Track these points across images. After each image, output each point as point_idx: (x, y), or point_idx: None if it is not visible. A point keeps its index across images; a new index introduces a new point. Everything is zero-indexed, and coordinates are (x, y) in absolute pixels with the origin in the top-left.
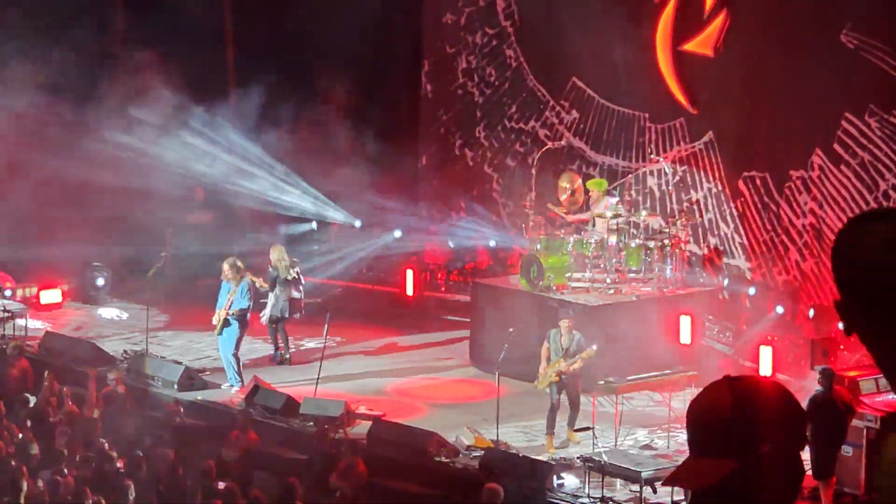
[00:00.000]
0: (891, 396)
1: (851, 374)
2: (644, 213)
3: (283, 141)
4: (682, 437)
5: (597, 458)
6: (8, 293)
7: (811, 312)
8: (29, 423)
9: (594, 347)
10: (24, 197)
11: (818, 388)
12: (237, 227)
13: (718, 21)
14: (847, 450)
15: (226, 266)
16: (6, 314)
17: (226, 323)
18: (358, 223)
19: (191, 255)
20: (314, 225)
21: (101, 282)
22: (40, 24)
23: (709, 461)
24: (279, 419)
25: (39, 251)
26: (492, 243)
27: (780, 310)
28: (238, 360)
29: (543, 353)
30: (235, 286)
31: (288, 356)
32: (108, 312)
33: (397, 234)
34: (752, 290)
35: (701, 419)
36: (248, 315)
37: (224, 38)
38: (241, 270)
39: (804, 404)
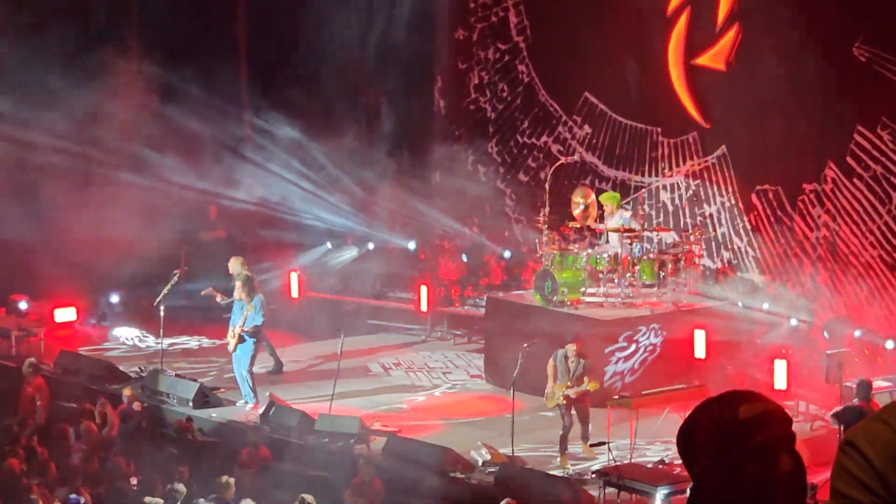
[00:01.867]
0: None
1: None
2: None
3: (294, 157)
4: None
5: (612, 473)
6: (23, 305)
7: (825, 327)
8: (44, 440)
9: (597, 383)
10: (37, 215)
11: (854, 400)
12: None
13: (730, 35)
14: None
15: (237, 281)
16: (21, 332)
17: (240, 340)
18: (371, 245)
19: (204, 273)
20: (329, 245)
21: (115, 299)
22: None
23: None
24: (294, 436)
25: (54, 269)
26: (506, 254)
27: (793, 322)
28: (253, 376)
29: (549, 371)
30: (249, 303)
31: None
32: (124, 333)
33: (412, 245)
34: (765, 305)
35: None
36: (262, 332)
37: (237, 55)
38: (254, 287)
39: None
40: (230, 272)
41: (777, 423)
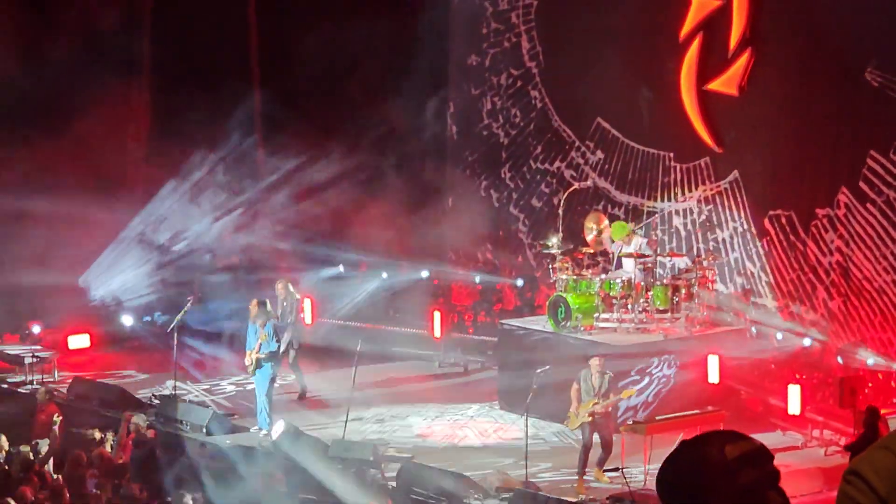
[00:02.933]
0: None
1: (882, 412)
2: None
3: (305, 185)
4: None
5: (626, 499)
6: (37, 329)
7: (839, 352)
8: (58, 467)
9: (632, 390)
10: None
11: (865, 428)
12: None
13: (743, 60)
14: None
15: (253, 305)
16: (35, 359)
17: (258, 365)
18: (384, 275)
19: (217, 300)
20: (341, 268)
21: (128, 321)
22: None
23: None
24: (308, 461)
25: (68, 296)
26: (519, 282)
27: (806, 342)
28: (270, 402)
29: (574, 394)
30: (262, 328)
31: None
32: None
33: (424, 273)
34: (779, 336)
35: None
36: (280, 358)
37: (251, 84)
38: (268, 312)
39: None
40: (279, 295)
41: (762, 460)
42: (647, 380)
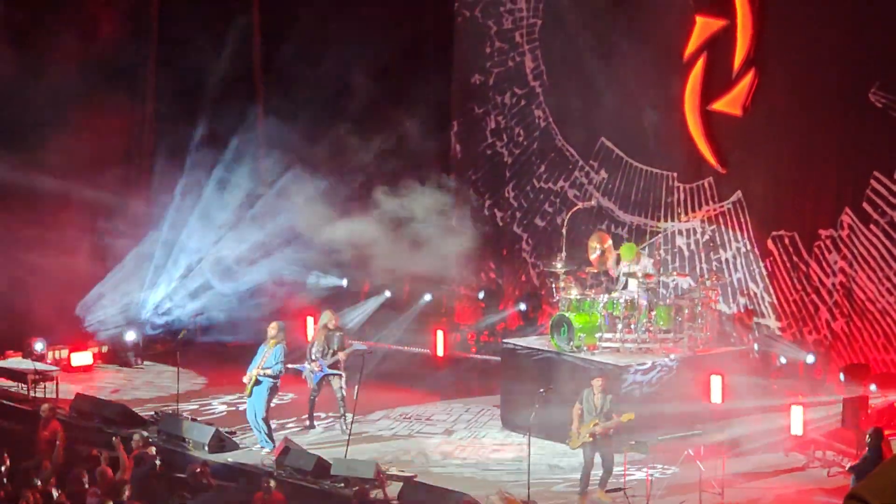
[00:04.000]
0: None
1: (885, 432)
2: (674, 273)
3: (308, 203)
4: (715, 497)
5: None
6: (40, 346)
7: (842, 373)
8: (61, 484)
9: (631, 413)
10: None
11: (867, 451)
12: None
13: (747, 80)
14: None
15: (273, 325)
16: (38, 376)
17: (256, 383)
18: (387, 294)
19: (222, 318)
20: (344, 282)
21: (131, 337)
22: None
23: None
24: (310, 480)
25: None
26: (522, 307)
27: (810, 359)
28: (268, 423)
29: (576, 413)
30: (270, 349)
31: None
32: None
33: (427, 297)
34: (782, 359)
35: None
36: (279, 380)
37: (255, 102)
38: (283, 335)
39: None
40: (329, 326)
41: None
42: (650, 363)
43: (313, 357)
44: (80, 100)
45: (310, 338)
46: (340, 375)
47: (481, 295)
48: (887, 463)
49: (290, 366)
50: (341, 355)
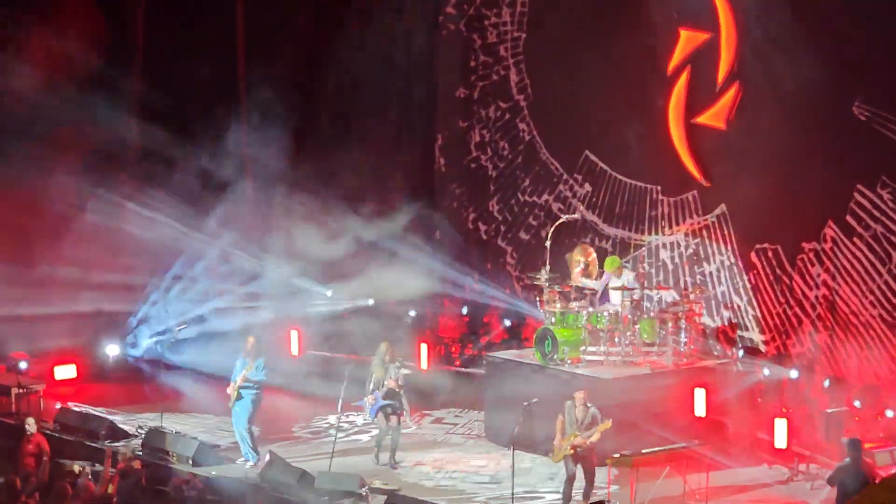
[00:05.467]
0: None
1: (867, 445)
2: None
3: (291, 216)
4: None
5: None
6: (24, 365)
7: (826, 384)
8: (44, 497)
9: (609, 421)
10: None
11: (847, 458)
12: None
13: (731, 94)
14: None
15: (250, 340)
16: (22, 390)
17: (239, 396)
18: (371, 301)
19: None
20: (329, 293)
21: (114, 355)
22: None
23: None
24: (294, 494)
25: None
26: (507, 322)
27: (793, 374)
28: (252, 435)
29: (558, 426)
30: (252, 362)
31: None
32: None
33: (412, 313)
34: (766, 371)
35: None
36: (262, 391)
37: (239, 116)
38: (262, 349)
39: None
40: (385, 359)
41: None
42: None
43: (370, 391)
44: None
45: (294, 352)
46: (399, 410)
47: (465, 310)
48: (874, 487)
49: (353, 403)
50: (390, 383)
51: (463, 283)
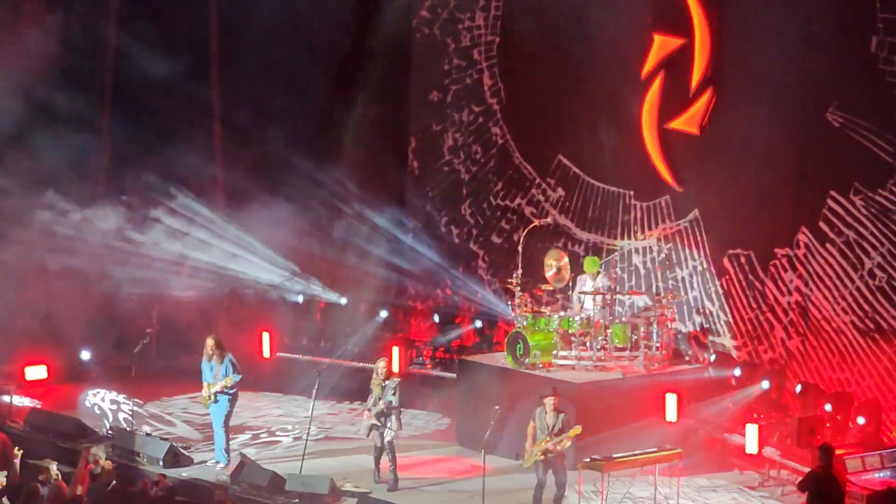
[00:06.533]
0: (877, 475)
1: (838, 452)
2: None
3: (267, 219)
4: None
5: None
6: None
7: (797, 390)
8: (14, 499)
9: (579, 427)
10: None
11: (818, 465)
12: (221, 304)
13: (704, 99)
14: None
15: (209, 342)
16: None
17: (215, 400)
18: (344, 300)
19: (176, 332)
20: (300, 299)
21: (86, 357)
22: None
23: None
24: (264, 496)
25: (25, 327)
26: (478, 324)
27: (765, 384)
28: (227, 435)
29: (529, 432)
30: (219, 364)
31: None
32: (97, 398)
33: (383, 314)
34: (737, 372)
35: None
36: (237, 391)
37: (212, 114)
38: (224, 349)
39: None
40: (380, 373)
41: None
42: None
43: (368, 407)
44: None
45: (266, 354)
46: (388, 427)
47: (436, 318)
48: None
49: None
50: (381, 405)
51: (435, 286)
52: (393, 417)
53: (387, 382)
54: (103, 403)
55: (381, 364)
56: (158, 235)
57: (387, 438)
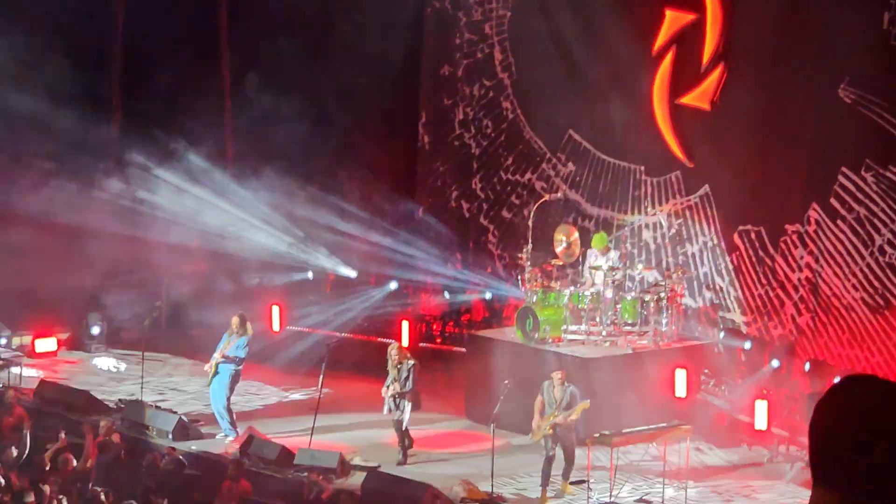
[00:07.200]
0: None
1: None
2: (640, 266)
3: (278, 192)
4: (676, 489)
5: None
6: (3, 340)
7: (807, 366)
8: (23, 471)
9: (588, 401)
10: (19, 243)
11: None
12: (232, 276)
13: (716, 75)
14: None
15: (236, 320)
16: (1, 362)
17: (216, 372)
18: (354, 274)
19: (186, 305)
20: (310, 275)
21: (96, 330)
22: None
23: None
24: (274, 469)
25: (35, 299)
26: (487, 296)
27: (775, 363)
28: (230, 411)
29: (537, 406)
30: (236, 339)
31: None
32: (104, 363)
33: (393, 285)
34: (747, 345)
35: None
36: (241, 368)
37: (222, 86)
38: (247, 327)
39: None
40: (391, 358)
41: None
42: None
43: (388, 385)
44: None
45: (275, 328)
46: (401, 409)
47: (447, 294)
48: None
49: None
50: (395, 387)
51: (444, 264)
52: (406, 401)
53: (400, 365)
54: (112, 370)
55: (392, 350)
56: (169, 201)
57: (395, 418)
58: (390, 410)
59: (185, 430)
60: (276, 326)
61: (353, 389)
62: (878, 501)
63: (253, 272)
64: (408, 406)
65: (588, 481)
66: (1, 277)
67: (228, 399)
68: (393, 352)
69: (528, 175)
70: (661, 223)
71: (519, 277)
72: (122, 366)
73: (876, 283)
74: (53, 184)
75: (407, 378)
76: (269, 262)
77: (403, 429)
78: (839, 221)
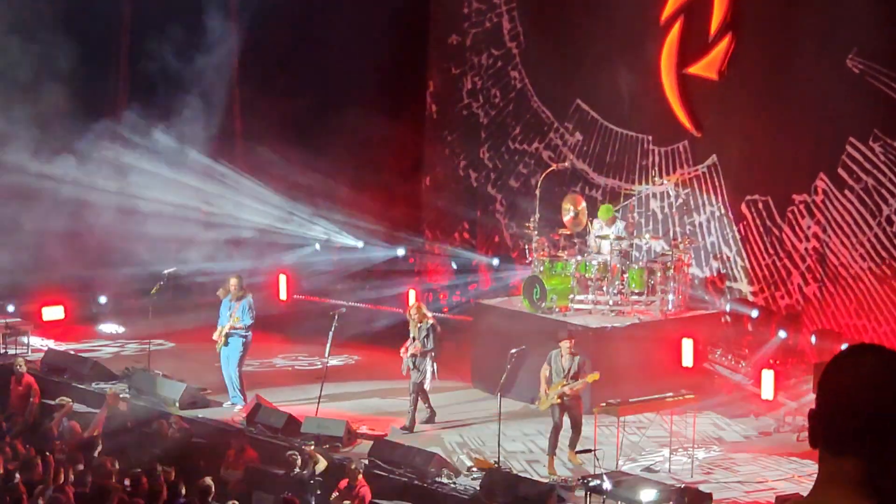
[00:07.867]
0: None
1: None
2: (647, 235)
3: (287, 163)
4: (685, 458)
5: (598, 481)
6: (11, 308)
7: (813, 337)
8: (31, 438)
9: (597, 373)
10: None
11: None
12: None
13: (723, 44)
14: None
15: (234, 281)
16: (8, 331)
17: (226, 342)
18: (360, 244)
19: (193, 275)
20: (317, 246)
21: (103, 300)
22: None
23: None
24: (280, 438)
25: (42, 269)
26: (495, 262)
27: (782, 334)
28: (241, 378)
29: (543, 375)
30: (237, 304)
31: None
32: (108, 328)
33: (400, 251)
34: (754, 313)
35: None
36: (251, 334)
37: (230, 62)
38: (245, 288)
39: None
40: (411, 318)
41: None
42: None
43: (407, 345)
44: None
45: (282, 297)
46: (419, 369)
47: (454, 264)
48: None
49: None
50: (415, 348)
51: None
52: (428, 360)
53: (420, 325)
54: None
55: (412, 310)
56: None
57: (415, 380)
58: (409, 370)
59: (193, 398)
60: (283, 295)
61: (362, 358)
62: None
63: (261, 245)
64: (429, 367)
65: (594, 450)
66: (10, 248)
67: (240, 366)
68: (413, 311)
69: (535, 144)
70: (668, 193)
71: (526, 247)
72: (121, 329)
73: (883, 253)
74: (57, 159)
75: (427, 337)
76: (275, 232)
77: (424, 390)
78: (847, 191)
